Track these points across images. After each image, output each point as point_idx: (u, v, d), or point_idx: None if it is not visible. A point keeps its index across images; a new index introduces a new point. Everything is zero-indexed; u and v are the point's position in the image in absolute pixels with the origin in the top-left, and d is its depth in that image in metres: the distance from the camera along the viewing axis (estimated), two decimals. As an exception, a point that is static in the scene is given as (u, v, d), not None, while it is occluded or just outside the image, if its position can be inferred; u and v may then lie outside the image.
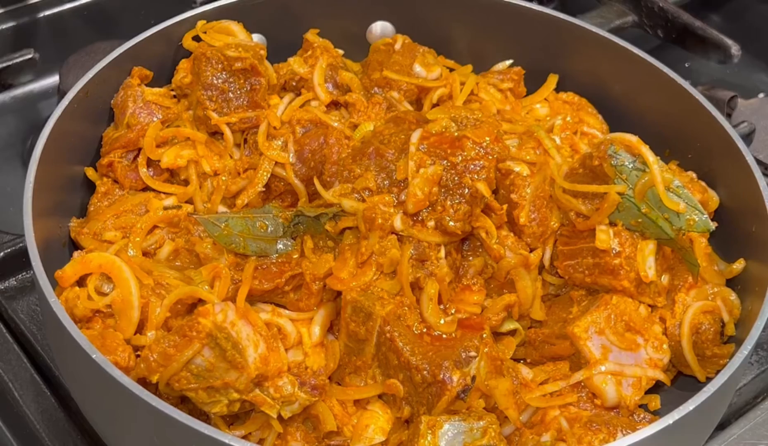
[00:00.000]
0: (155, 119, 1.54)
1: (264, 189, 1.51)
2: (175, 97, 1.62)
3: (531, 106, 1.70)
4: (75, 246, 1.45)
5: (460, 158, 1.35)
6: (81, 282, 1.34)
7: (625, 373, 1.33)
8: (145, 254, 1.41)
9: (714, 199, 1.52)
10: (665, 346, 1.37)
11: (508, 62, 1.76)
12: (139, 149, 1.53)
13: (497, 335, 1.39)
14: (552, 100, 1.70)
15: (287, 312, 1.37)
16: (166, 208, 1.45)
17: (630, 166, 1.40)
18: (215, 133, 1.57)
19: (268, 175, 1.51)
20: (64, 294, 1.30)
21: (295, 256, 1.39)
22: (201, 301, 1.32)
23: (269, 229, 1.41)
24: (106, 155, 1.53)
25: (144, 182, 1.51)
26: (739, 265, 1.44)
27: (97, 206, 1.50)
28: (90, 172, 1.54)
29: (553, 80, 1.73)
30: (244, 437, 1.25)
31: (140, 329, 1.30)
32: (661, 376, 1.36)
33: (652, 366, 1.35)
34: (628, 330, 1.36)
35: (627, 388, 1.32)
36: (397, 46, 1.71)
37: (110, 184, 1.52)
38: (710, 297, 1.42)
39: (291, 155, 1.52)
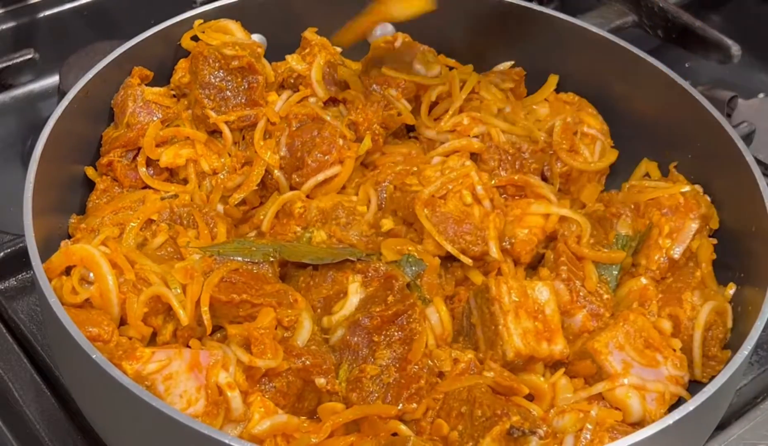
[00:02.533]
0: (155, 118, 1.54)
1: (259, 185, 1.54)
2: (174, 96, 1.62)
3: (531, 106, 1.70)
4: None
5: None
6: (70, 270, 1.33)
7: (648, 388, 1.31)
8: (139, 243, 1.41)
9: (715, 218, 1.52)
10: (685, 364, 1.36)
11: (509, 63, 1.76)
12: (139, 148, 1.53)
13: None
14: (552, 100, 1.70)
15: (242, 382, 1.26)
16: (163, 198, 1.45)
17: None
18: (214, 132, 1.57)
19: (261, 176, 1.53)
20: (53, 284, 1.29)
21: (273, 285, 1.34)
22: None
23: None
24: (105, 154, 1.53)
25: (143, 181, 1.52)
26: (730, 290, 1.45)
27: (95, 203, 1.50)
28: (90, 172, 1.54)
29: (553, 80, 1.73)
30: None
31: (124, 322, 1.31)
32: (683, 393, 1.34)
33: (674, 383, 1.34)
34: (647, 347, 1.35)
35: (651, 402, 1.31)
36: (397, 44, 1.72)
37: (109, 181, 1.52)
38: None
39: (282, 149, 1.54)
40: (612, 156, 1.64)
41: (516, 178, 1.55)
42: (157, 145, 1.52)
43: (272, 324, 1.29)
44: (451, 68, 1.72)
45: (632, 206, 1.52)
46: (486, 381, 1.28)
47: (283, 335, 1.31)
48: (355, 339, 1.31)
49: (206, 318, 1.28)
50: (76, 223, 1.46)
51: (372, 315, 1.31)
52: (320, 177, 1.54)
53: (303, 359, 1.27)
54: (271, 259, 1.38)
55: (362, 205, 1.53)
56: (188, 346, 1.29)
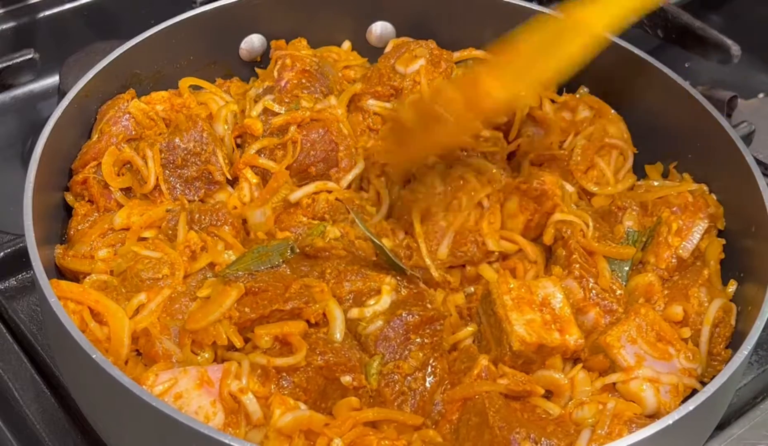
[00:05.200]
0: (128, 132, 1.51)
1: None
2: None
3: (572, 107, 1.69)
4: (60, 274, 1.40)
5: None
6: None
7: (661, 380, 1.31)
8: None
9: (722, 217, 1.52)
10: (697, 356, 1.36)
11: None
12: None
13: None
14: (574, 105, 1.69)
15: (254, 389, 1.24)
16: (168, 211, 1.44)
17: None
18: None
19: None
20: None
21: (297, 282, 1.33)
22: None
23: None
24: (78, 169, 1.49)
25: (119, 203, 1.47)
26: (731, 287, 1.45)
27: (78, 230, 1.44)
28: (68, 197, 1.48)
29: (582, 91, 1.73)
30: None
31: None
32: (697, 385, 1.34)
33: (687, 375, 1.34)
34: (659, 340, 1.35)
35: (665, 395, 1.31)
36: (387, 49, 1.73)
37: (89, 206, 1.47)
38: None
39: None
40: (627, 182, 1.62)
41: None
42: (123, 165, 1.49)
43: (304, 328, 1.30)
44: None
45: (639, 204, 1.52)
46: (498, 388, 1.28)
47: (315, 334, 1.31)
48: (392, 333, 1.32)
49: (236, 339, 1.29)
50: (62, 253, 1.40)
51: (413, 312, 1.32)
52: (356, 170, 1.55)
53: (325, 357, 1.27)
54: (289, 255, 1.37)
55: (372, 204, 1.53)
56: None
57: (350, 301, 1.36)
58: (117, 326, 1.28)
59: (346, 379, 1.27)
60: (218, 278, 1.34)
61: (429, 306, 1.35)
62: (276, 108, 1.56)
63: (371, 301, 1.35)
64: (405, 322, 1.32)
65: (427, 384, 1.30)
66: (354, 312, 1.34)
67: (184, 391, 1.20)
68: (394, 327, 1.32)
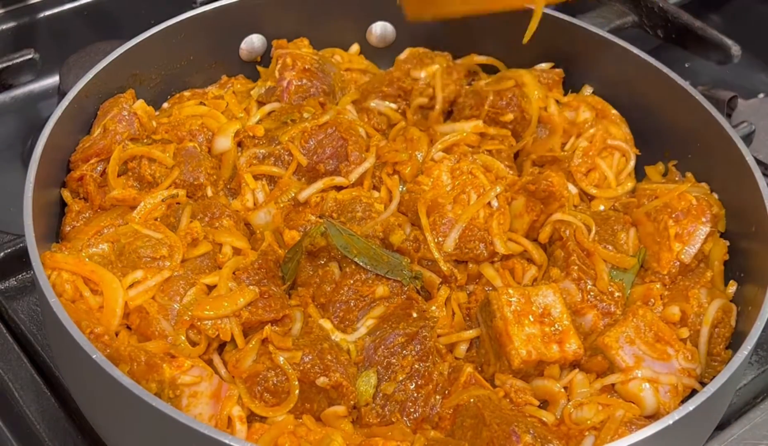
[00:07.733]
0: (133, 130, 1.51)
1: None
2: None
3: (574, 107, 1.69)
4: None
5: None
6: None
7: (660, 381, 1.32)
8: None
9: (723, 219, 1.51)
10: (696, 356, 1.36)
11: (548, 65, 1.74)
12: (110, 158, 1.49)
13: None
14: (576, 105, 1.68)
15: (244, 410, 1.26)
16: (164, 200, 1.45)
17: None
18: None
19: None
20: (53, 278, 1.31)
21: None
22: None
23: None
24: (76, 164, 1.48)
25: (116, 201, 1.45)
26: (731, 288, 1.45)
27: (73, 226, 1.44)
28: (65, 194, 1.48)
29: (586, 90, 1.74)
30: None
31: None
32: (696, 385, 1.35)
33: (686, 375, 1.34)
34: (657, 341, 1.35)
35: (664, 395, 1.31)
36: (402, 56, 1.76)
37: (83, 204, 1.47)
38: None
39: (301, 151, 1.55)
40: (627, 185, 1.61)
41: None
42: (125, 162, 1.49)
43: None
44: (488, 70, 1.77)
45: (644, 214, 1.50)
46: (491, 394, 1.29)
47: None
48: (377, 356, 1.32)
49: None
50: (57, 249, 1.37)
51: (398, 331, 1.32)
52: (367, 164, 1.55)
53: (302, 362, 1.28)
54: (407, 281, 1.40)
55: (380, 202, 1.53)
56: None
57: (338, 319, 1.37)
58: (111, 296, 1.30)
59: (322, 380, 1.27)
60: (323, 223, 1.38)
61: (414, 315, 1.35)
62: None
63: (357, 325, 1.36)
64: (392, 343, 1.32)
65: (419, 393, 1.30)
66: (337, 336, 1.35)
67: (200, 393, 1.22)
68: (379, 348, 1.32)
